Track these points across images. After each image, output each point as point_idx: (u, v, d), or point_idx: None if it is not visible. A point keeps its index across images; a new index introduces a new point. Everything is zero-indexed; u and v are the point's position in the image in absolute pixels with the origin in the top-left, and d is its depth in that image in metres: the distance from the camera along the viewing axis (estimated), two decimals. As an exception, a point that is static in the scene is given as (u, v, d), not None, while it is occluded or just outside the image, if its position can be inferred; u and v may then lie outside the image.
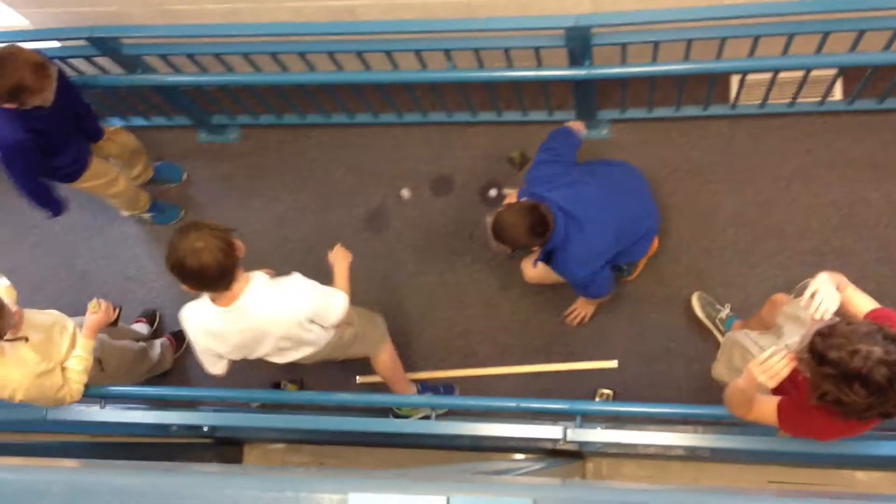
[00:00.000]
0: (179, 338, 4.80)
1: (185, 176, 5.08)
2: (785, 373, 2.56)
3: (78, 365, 3.71)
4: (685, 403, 4.10)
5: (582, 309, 4.41)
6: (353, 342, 3.89)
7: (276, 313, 3.29)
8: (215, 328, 3.30)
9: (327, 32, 4.05)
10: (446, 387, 4.50)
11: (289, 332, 3.39)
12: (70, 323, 3.84)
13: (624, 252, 3.96)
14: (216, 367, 3.57)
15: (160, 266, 4.95)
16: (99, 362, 3.94)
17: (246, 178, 5.01)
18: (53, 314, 3.83)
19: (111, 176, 4.49)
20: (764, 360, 2.59)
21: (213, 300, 3.23)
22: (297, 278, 3.37)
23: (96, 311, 3.81)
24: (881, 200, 4.31)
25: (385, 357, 4.12)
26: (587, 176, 3.85)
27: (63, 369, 3.69)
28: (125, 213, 4.99)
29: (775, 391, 2.76)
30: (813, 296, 2.66)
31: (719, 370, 3.61)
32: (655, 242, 4.28)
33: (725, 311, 4.20)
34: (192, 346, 3.52)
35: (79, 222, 5.11)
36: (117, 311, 3.92)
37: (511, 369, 4.51)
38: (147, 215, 4.99)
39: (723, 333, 4.15)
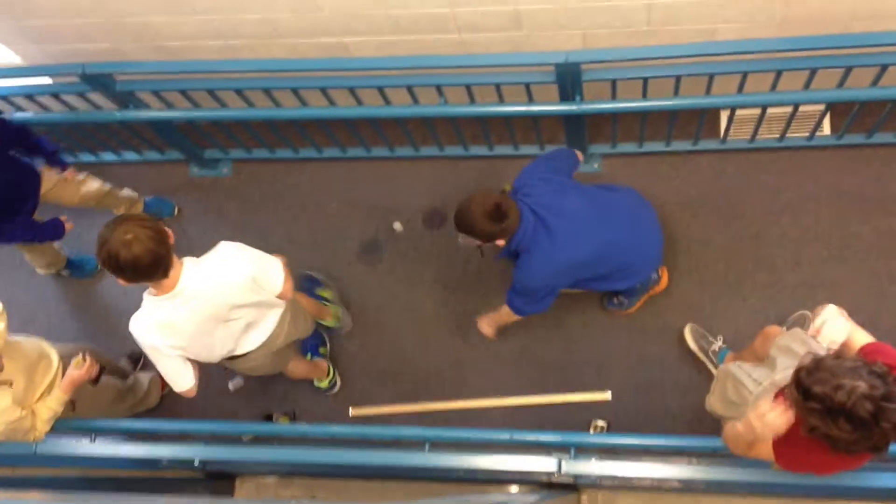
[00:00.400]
0: None
1: (175, 210, 5.08)
2: (783, 425, 2.55)
3: (45, 413, 3.66)
4: (680, 434, 4.09)
5: (488, 326, 4.35)
6: (299, 320, 3.90)
7: (221, 281, 3.28)
8: (164, 319, 3.25)
9: (320, 68, 4.08)
10: (311, 279, 4.65)
11: (242, 299, 3.36)
12: (55, 360, 3.78)
13: (609, 277, 3.86)
14: (185, 377, 3.46)
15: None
16: (71, 403, 3.90)
17: (238, 212, 5.02)
18: (41, 346, 3.78)
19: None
20: (762, 413, 2.58)
21: (154, 293, 3.22)
22: (225, 244, 3.40)
23: (79, 367, 3.73)
24: (871, 233, 4.35)
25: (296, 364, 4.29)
26: (578, 191, 3.74)
27: (33, 413, 3.65)
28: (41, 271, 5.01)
29: None
30: (821, 325, 2.69)
31: (713, 402, 3.61)
32: (665, 278, 4.35)
33: (718, 344, 4.21)
34: (153, 361, 3.43)
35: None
36: (98, 369, 3.85)
37: (505, 401, 4.50)
38: (65, 271, 5.04)
39: (716, 365, 4.16)
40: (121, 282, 3.12)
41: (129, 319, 4.86)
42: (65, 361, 3.81)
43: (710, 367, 4.21)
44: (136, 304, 4.90)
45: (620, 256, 3.79)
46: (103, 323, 5.00)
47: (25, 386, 3.58)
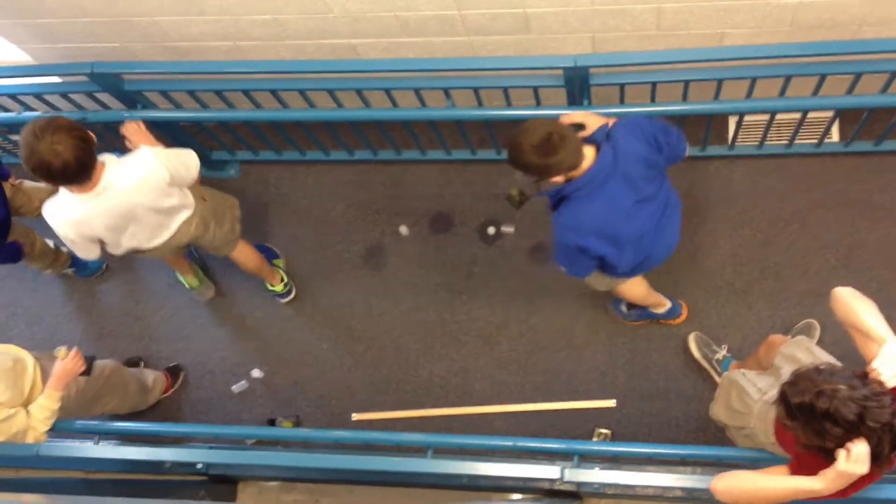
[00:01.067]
0: (174, 374, 4.78)
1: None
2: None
3: (40, 414, 3.64)
4: (683, 443, 4.08)
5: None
6: (216, 227, 4.12)
7: (139, 181, 3.51)
8: (79, 216, 3.50)
9: (328, 70, 4.07)
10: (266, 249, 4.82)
11: (155, 203, 3.62)
12: (30, 362, 3.75)
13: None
14: (90, 253, 3.75)
15: (157, 303, 4.96)
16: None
17: (244, 213, 4.99)
18: (10, 354, 3.72)
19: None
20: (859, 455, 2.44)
21: (75, 191, 3.41)
22: (144, 149, 3.61)
23: (65, 359, 3.71)
24: (879, 241, 4.32)
25: (245, 250, 4.42)
26: (662, 186, 3.38)
27: (27, 412, 3.63)
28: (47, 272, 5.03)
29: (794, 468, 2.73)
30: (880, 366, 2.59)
31: (717, 410, 3.59)
32: (685, 313, 4.35)
33: (722, 353, 4.19)
34: (62, 239, 3.65)
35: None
36: (88, 360, 3.83)
37: (508, 408, 4.48)
38: (69, 270, 5.04)
39: (719, 374, 4.14)
40: (44, 184, 3.43)
41: (134, 320, 4.93)
42: (41, 363, 3.79)
43: (714, 375, 4.19)
44: (141, 303, 4.95)
45: (645, 250, 3.47)
46: (108, 323, 5.00)
47: (7, 389, 3.57)
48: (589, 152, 3.14)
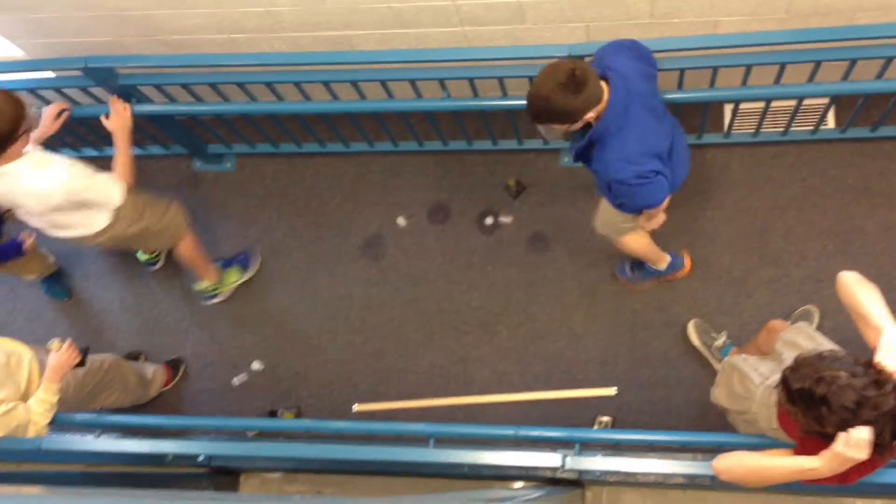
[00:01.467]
0: (175, 367, 4.79)
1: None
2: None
3: (39, 407, 3.63)
4: (684, 430, 4.08)
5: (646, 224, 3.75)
6: (150, 237, 4.22)
7: (27, 190, 3.58)
8: None
9: (323, 62, 4.06)
10: (244, 255, 4.85)
11: (41, 213, 3.72)
12: (26, 354, 3.73)
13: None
14: None
15: (156, 304, 4.97)
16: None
17: (242, 206, 5.02)
18: (4, 348, 3.69)
19: None
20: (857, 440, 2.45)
21: None
22: (62, 166, 3.63)
23: (58, 351, 3.71)
24: (876, 227, 4.33)
25: (185, 247, 4.46)
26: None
27: (27, 406, 3.62)
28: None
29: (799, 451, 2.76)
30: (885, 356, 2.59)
31: (718, 395, 3.61)
32: (688, 264, 4.37)
33: (721, 340, 4.20)
34: None
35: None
36: (82, 352, 3.83)
37: (509, 397, 4.49)
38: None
39: (719, 361, 4.15)
40: None
41: (133, 314, 4.92)
42: (38, 357, 3.78)
43: (714, 362, 4.20)
44: (139, 297, 4.95)
45: (674, 167, 3.38)
46: (107, 318, 5.00)
47: (5, 384, 3.58)
48: (602, 84, 3.03)
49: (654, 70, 3.27)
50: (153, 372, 4.61)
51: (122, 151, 3.97)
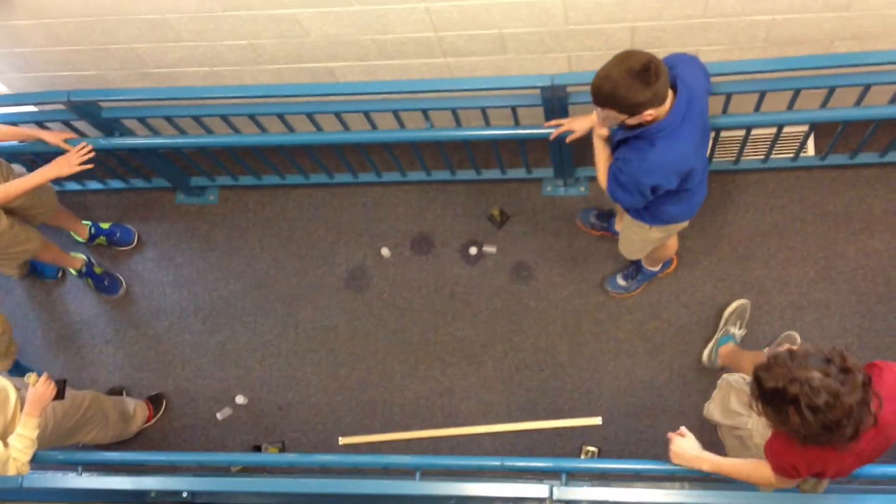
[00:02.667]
0: (157, 403, 4.74)
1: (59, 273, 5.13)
2: None
3: (19, 443, 3.59)
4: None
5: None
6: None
7: None
8: None
9: (306, 94, 4.08)
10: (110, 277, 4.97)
11: None
12: (13, 393, 3.71)
13: (679, 194, 3.38)
14: None
15: (138, 331, 4.93)
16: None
17: (225, 239, 5.00)
18: None
19: None
20: None
21: None
22: None
23: (36, 385, 3.67)
24: (857, 254, 4.36)
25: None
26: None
27: (6, 444, 3.58)
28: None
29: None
30: None
31: (712, 410, 3.62)
32: (675, 262, 4.43)
33: (739, 332, 4.20)
34: None
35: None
36: (60, 383, 3.78)
37: (495, 428, 4.47)
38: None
39: (716, 342, 4.24)
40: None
41: (115, 349, 4.88)
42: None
43: (713, 340, 4.29)
44: (121, 332, 4.91)
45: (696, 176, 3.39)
46: (89, 353, 4.96)
47: None
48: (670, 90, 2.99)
49: (710, 90, 3.28)
50: (135, 407, 4.56)
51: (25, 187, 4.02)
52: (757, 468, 2.96)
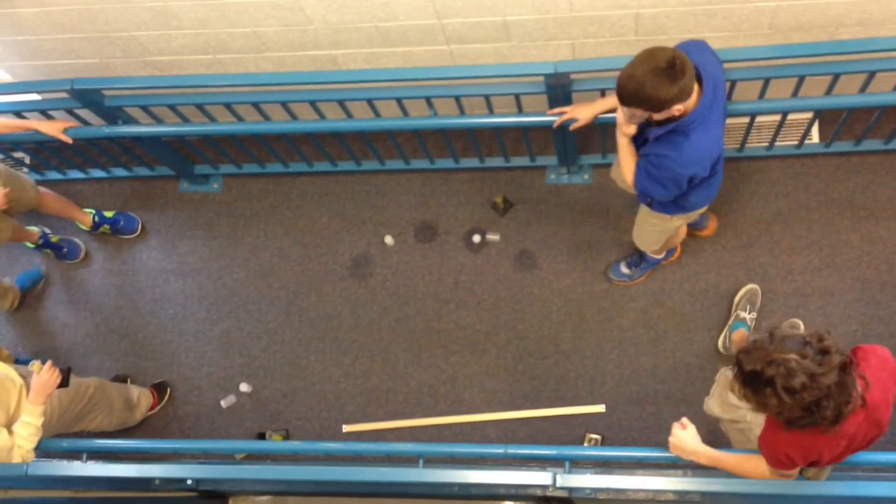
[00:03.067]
0: (161, 390, 4.76)
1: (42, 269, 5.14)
2: None
3: (24, 430, 3.61)
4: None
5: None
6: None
7: None
8: None
9: (309, 82, 4.07)
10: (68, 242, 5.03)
11: None
12: (17, 381, 3.71)
13: (706, 182, 3.40)
14: None
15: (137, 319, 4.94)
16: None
17: (229, 227, 5.00)
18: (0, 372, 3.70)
19: None
20: None
21: None
22: None
23: (41, 373, 3.67)
24: (861, 241, 4.35)
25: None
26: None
27: (10, 432, 3.60)
28: None
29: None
30: None
31: (711, 405, 3.63)
32: (713, 224, 4.42)
33: (750, 316, 4.21)
34: None
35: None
36: (64, 371, 3.78)
37: (498, 415, 4.48)
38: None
39: (729, 328, 4.27)
40: None
41: (119, 337, 4.89)
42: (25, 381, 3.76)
43: (727, 326, 4.31)
44: (126, 320, 4.92)
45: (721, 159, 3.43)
46: (94, 342, 4.97)
47: None
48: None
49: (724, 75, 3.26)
50: (139, 395, 4.58)
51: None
52: (755, 463, 2.98)
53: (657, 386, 4.36)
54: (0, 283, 4.84)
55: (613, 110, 3.58)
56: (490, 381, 4.54)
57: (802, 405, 2.44)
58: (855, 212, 4.40)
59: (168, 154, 4.78)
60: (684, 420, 3.17)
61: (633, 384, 4.39)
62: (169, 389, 4.78)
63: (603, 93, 3.92)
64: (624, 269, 4.46)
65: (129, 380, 4.81)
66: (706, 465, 3.11)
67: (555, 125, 3.84)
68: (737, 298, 4.30)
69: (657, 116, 2.98)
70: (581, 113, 3.71)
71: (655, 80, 2.81)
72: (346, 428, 4.60)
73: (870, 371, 2.59)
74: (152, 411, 4.70)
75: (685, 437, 3.12)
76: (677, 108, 2.92)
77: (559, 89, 3.80)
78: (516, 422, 4.47)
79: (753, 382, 2.48)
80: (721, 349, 4.29)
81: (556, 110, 3.81)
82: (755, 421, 3.28)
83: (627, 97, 2.92)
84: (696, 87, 2.95)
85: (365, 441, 4.54)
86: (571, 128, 3.77)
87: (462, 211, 4.79)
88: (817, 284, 4.35)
